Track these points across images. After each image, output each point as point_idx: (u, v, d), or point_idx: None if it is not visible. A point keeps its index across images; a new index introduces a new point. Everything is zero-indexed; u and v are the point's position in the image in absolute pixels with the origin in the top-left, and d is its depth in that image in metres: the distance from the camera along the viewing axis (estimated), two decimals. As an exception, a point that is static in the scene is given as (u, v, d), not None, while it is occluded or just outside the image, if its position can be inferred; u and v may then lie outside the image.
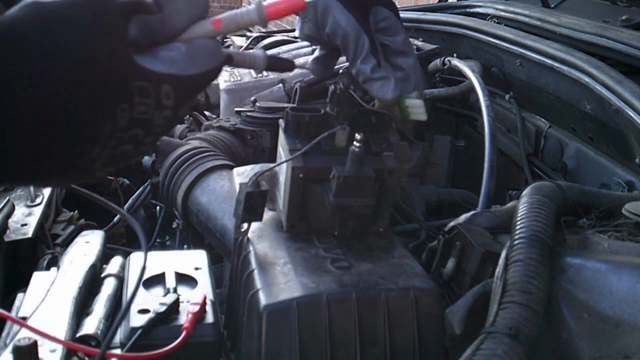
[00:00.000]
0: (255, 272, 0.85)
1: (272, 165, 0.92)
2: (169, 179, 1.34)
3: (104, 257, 1.06)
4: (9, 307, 0.91)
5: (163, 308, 0.81)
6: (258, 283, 0.82)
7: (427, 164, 1.67)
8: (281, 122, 0.93)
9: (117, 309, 0.89)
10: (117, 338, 0.80)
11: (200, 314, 0.82)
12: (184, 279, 0.90)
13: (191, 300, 0.84)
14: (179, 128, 1.73)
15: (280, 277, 0.83)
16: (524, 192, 0.89)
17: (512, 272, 0.76)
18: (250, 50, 0.77)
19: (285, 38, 2.22)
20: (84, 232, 1.17)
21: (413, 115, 0.97)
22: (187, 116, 1.88)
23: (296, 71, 1.70)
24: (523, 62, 1.45)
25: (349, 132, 0.87)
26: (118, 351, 0.78)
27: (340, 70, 1.52)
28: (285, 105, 1.54)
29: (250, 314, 0.83)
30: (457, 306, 0.81)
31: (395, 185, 0.90)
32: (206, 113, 1.90)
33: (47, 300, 0.87)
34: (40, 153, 0.53)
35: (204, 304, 0.84)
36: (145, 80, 0.56)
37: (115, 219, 1.65)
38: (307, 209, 0.90)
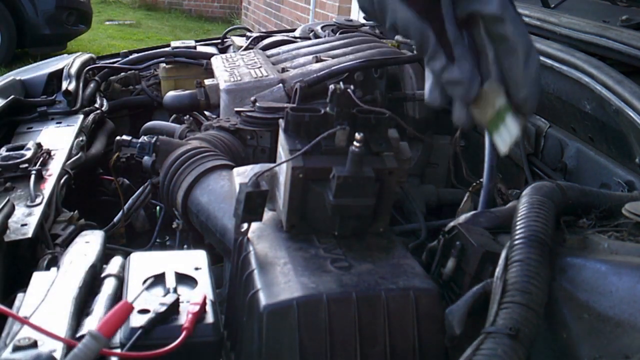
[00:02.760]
0: (255, 272, 0.85)
1: (272, 165, 0.92)
2: (169, 179, 1.34)
3: (104, 257, 1.06)
4: (8, 307, 0.91)
5: (163, 308, 0.81)
6: (258, 283, 0.82)
7: (427, 163, 1.67)
8: (281, 122, 0.93)
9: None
10: (117, 338, 0.80)
11: (200, 314, 0.82)
12: (184, 279, 0.90)
13: (191, 300, 0.84)
14: (179, 128, 1.73)
15: (280, 277, 0.83)
16: (524, 192, 0.89)
17: (512, 272, 0.76)
18: None
19: (285, 38, 2.22)
20: (84, 232, 1.17)
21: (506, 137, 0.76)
22: (187, 116, 1.88)
23: (296, 71, 1.70)
24: (523, 62, 1.45)
25: (349, 132, 0.87)
26: (118, 351, 0.78)
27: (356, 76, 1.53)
28: (285, 105, 1.54)
29: (250, 314, 0.82)
30: (457, 306, 0.81)
31: (395, 185, 0.90)
32: (206, 113, 1.90)
33: (47, 300, 0.87)
34: None
35: (204, 304, 0.83)
36: None
37: (116, 218, 1.65)
38: (307, 209, 0.90)
